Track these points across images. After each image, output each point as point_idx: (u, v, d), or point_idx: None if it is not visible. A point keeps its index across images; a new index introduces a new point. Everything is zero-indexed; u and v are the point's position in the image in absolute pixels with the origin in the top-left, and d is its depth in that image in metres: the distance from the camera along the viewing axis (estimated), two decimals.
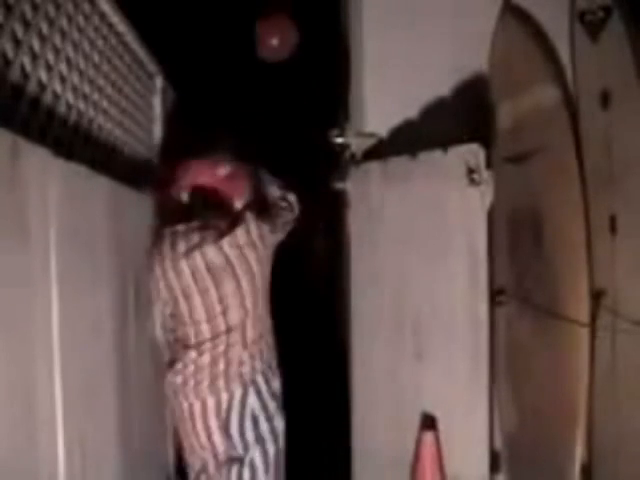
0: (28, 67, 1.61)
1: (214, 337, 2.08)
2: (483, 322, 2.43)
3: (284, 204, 2.38)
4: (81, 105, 1.95)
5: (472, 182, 2.41)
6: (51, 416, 1.46)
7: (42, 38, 1.69)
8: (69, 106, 1.86)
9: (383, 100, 2.93)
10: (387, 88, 2.91)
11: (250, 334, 2.12)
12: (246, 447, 2.08)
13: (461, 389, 2.46)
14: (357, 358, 2.89)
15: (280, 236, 2.30)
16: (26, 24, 1.60)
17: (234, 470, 2.08)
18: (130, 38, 2.46)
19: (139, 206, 2.33)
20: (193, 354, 2.09)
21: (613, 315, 2.33)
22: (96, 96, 2.09)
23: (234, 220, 2.11)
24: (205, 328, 2.08)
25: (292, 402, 2.30)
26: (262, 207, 2.24)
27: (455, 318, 2.49)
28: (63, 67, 1.82)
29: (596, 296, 2.36)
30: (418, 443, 2.52)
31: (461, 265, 2.46)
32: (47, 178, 1.47)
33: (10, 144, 1.30)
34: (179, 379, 2.10)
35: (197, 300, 2.08)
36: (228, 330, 2.08)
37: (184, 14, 4.16)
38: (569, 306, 2.35)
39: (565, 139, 2.43)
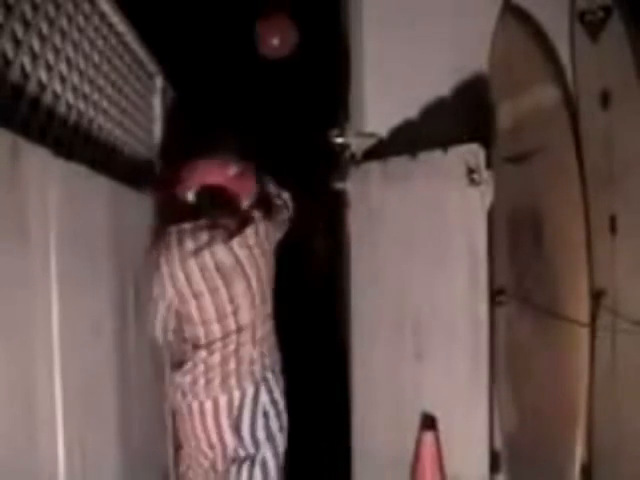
0: (28, 67, 1.61)
1: (225, 336, 2.09)
2: (483, 322, 2.43)
3: (279, 202, 2.40)
4: (81, 105, 1.95)
5: (472, 182, 2.41)
6: (51, 416, 1.46)
7: (42, 38, 1.69)
8: (69, 106, 1.86)
9: (383, 100, 2.93)
10: (387, 88, 2.91)
11: (259, 333, 2.15)
12: (257, 445, 2.11)
13: (461, 389, 2.46)
14: (357, 358, 2.89)
15: (279, 235, 2.31)
16: (26, 24, 1.60)
17: (245, 469, 2.11)
18: (130, 38, 2.46)
19: (139, 206, 2.33)
20: (203, 353, 2.10)
21: (613, 315, 2.33)
22: (96, 96, 2.09)
23: (244, 220, 2.13)
24: (216, 328, 2.09)
25: (292, 402, 2.30)
26: (267, 206, 2.26)
27: (455, 318, 2.49)
28: (63, 67, 1.82)
29: (596, 296, 2.36)
30: (418, 443, 2.52)
31: (461, 265, 2.46)
32: (47, 178, 1.47)
33: (10, 144, 1.30)
34: (188, 379, 2.10)
35: (207, 300, 2.09)
36: (239, 330, 2.10)
37: (184, 14, 4.16)
38: (569, 306, 2.35)
39: (565, 139, 2.43)
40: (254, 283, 2.14)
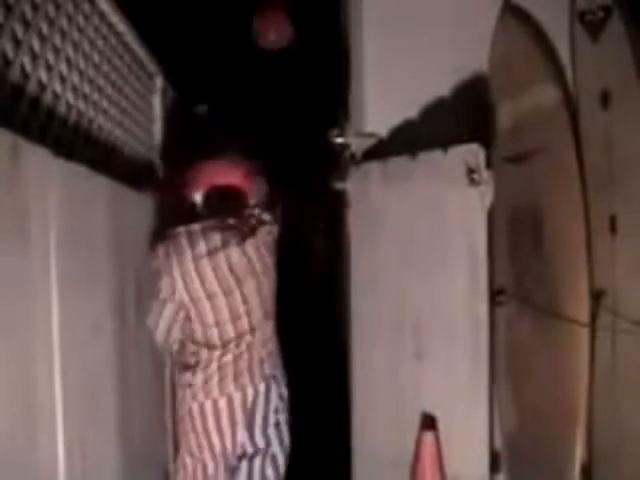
0: (28, 67, 1.61)
1: (238, 337, 2.12)
2: (483, 322, 2.43)
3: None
4: (81, 105, 1.95)
5: (472, 182, 2.41)
6: (51, 416, 1.46)
7: (42, 38, 1.69)
8: (69, 106, 1.86)
9: (383, 100, 2.93)
10: (387, 88, 2.91)
11: (268, 332, 2.21)
12: (268, 441, 2.17)
13: (461, 389, 2.46)
14: (357, 358, 2.89)
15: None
16: (26, 24, 1.60)
17: (256, 464, 2.17)
18: (130, 38, 2.46)
19: (139, 206, 2.33)
20: (215, 354, 2.11)
21: (613, 315, 2.33)
22: (96, 96, 2.09)
23: (256, 221, 2.16)
24: (230, 328, 2.11)
25: (292, 402, 2.31)
26: (272, 206, 2.28)
27: (455, 318, 2.49)
28: (63, 67, 1.82)
29: (596, 296, 2.36)
30: (418, 443, 2.52)
31: (461, 265, 2.46)
32: (47, 178, 1.47)
33: (10, 144, 1.30)
34: (199, 379, 2.11)
35: (222, 301, 2.10)
36: (251, 330, 2.14)
37: (184, 14, 4.16)
38: (569, 306, 2.35)
39: (565, 139, 2.43)
40: (264, 283, 2.18)
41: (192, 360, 2.15)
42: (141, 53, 2.64)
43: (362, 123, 3.02)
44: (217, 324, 2.11)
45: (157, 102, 2.93)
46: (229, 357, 2.11)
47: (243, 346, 2.13)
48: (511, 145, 2.57)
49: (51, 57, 1.75)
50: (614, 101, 2.37)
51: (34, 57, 1.65)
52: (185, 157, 2.39)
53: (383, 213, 2.72)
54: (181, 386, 2.18)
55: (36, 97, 1.65)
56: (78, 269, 1.65)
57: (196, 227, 2.12)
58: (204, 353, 2.12)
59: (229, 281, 2.10)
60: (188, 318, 2.14)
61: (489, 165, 2.43)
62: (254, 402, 2.13)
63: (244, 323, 2.13)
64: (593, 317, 2.34)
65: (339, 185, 3.17)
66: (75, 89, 1.91)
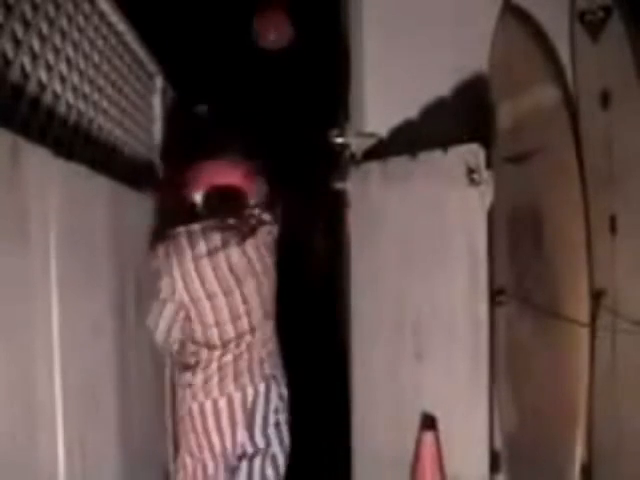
0: (28, 67, 1.61)
1: (238, 337, 2.12)
2: (483, 322, 2.43)
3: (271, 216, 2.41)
4: (81, 105, 1.95)
5: (472, 182, 2.41)
6: (51, 416, 1.46)
7: (42, 38, 1.69)
8: (69, 106, 1.86)
9: (383, 100, 2.93)
10: (387, 88, 2.91)
11: (268, 332, 2.21)
12: (267, 441, 2.18)
13: (461, 389, 2.46)
14: (357, 358, 2.89)
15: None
16: (26, 24, 1.60)
17: (256, 464, 2.17)
18: (130, 38, 2.46)
19: (139, 206, 2.33)
20: (217, 353, 2.11)
21: (613, 315, 2.33)
22: (96, 96, 2.09)
23: (256, 221, 2.17)
24: (229, 328, 2.11)
25: (292, 402, 2.31)
26: (272, 206, 2.29)
27: (455, 318, 2.49)
28: (63, 67, 1.82)
29: (596, 296, 2.36)
30: (418, 443, 2.52)
31: (461, 265, 2.46)
32: (47, 178, 1.47)
33: (10, 144, 1.30)
34: (199, 379, 2.11)
35: (222, 301, 2.10)
36: (251, 330, 2.14)
37: (184, 14, 4.16)
38: (569, 306, 2.35)
39: (565, 139, 2.43)
40: (264, 283, 2.18)
41: (192, 360, 2.15)
42: (141, 53, 2.64)
43: (362, 123, 3.02)
44: (217, 324, 2.11)
45: (157, 102, 2.93)
46: (229, 357, 2.11)
47: (243, 346, 2.13)
48: (511, 145, 2.57)
49: (51, 57, 1.75)
50: (614, 101, 2.37)
51: (34, 57, 1.65)
52: (185, 157, 2.39)
53: (383, 213, 2.72)
54: (181, 386, 2.18)
55: (36, 97, 1.65)
56: (78, 269, 1.65)
57: (196, 227, 2.12)
58: (204, 353, 2.12)
59: (229, 281, 2.10)
60: (188, 318, 2.13)
61: (489, 165, 2.43)
62: (254, 402, 2.13)
63: (244, 323, 2.13)
64: (593, 317, 2.34)
65: (339, 185, 3.17)
66: (75, 89, 1.91)
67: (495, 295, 2.52)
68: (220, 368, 2.10)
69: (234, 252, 2.11)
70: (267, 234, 2.22)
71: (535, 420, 2.45)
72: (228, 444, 2.11)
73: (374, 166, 2.78)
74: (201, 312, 2.11)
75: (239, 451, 2.16)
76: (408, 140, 2.80)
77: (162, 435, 2.63)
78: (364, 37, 3.00)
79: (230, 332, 2.12)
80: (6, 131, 1.29)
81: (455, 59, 2.80)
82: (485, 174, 2.41)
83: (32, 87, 1.63)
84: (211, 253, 2.08)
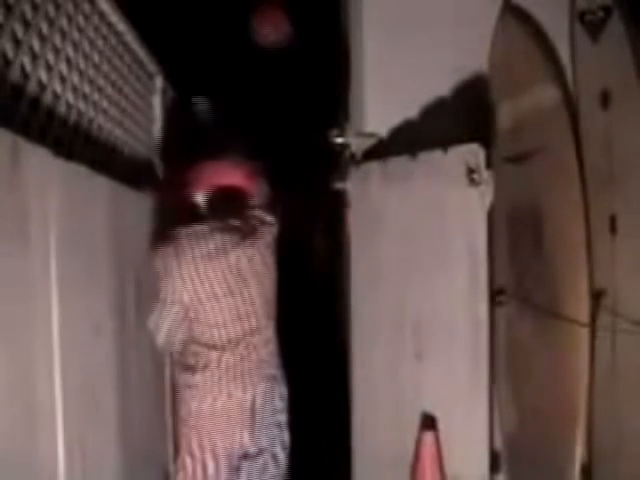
0: (28, 67, 1.61)
1: (239, 337, 2.12)
2: (483, 322, 2.43)
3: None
4: (81, 105, 1.95)
5: (472, 182, 2.41)
6: (51, 416, 1.46)
7: (42, 38, 1.69)
8: (69, 106, 1.86)
9: (383, 100, 2.93)
10: (387, 88, 2.91)
11: (269, 332, 2.22)
12: (269, 440, 2.18)
13: (461, 389, 2.46)
14: (357, 358, 2.89)
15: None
16: (26, 24, 1.60)
17: (259, 462, 2.18)
18: (130, 38, 2.46)
19: (139, 206, 2.33)
20: (217, 354, 2.11)
21: (613, 315, 2.33)
22: (96, 96, 2.09)
23: (257, 222, 2.17)
24: (231, 329, 2.11)
25: (292, 402, 2.31)
26: (272, 206, 2.29)
27: (455, 318, 2.48)
28: (63, 67, 1.82)
29: (596, 296, 2.36)
30: (418, 443, 2.52)
31: (461, 265, 2.46)
32: (47, 178, 1.47)
33: (10, 144, 1.30)
34: (200, 379, 2.11)
35: (223, 301, 2.10)
36: (255, 331, 2.14)
37: (184, 14, 4.16)
38: (569, 306, 2.35)
39: (565, 139, 2.43)
40: (267, 284, 2.19)
41: (193, 360, 2.15)
42: (141, 53, 2.64)
43: (362, 123, 3.02)
44: (218, 325, 2.11)
45: (157, 102, 2.93)
46: (230, 357, 2.11)
47: (245, 346, 2.13)
48: (511, 145, 2.57)
49: (51, 57, 1.75)
50: (614, 101, 2.37)
51: (34, 57, 1.65)
52: (185, 157, 2.39)
53: (383, 213, 2.72)
54: (181, 386, 2.18)
55: (36, 97, 1.65)
56: (78, 269, 1.65)
57: (197, 228, 2.12)
58: (205, 353, 2.12)
59: (230, 282, 2.10)
60: (189, 319, 2.13)
61: (489, 165, 2.43)
62: (255, 402, 2.13)
63: (246, 324, 2.13)
64: (593, 317, 2.34)
65: (339, 185, 3.17)
66: (75, 89, 1.91)
67: (495, 295, 2.52)
68: (221, 368, 2.10)
69: (235, 253, 2.11)
70: (268, 234, 2.23)
71: (535, 420, 2.45)
72: (228, 444, 2.11)
73: (374, 166, 2.78)
74: (202, 313, 2.10)
75: (239, 451, 2.16)
76: (408, 140, 2.80)
77: (162, 435, 2.63)
78: (364, 37, 3.00)
79: (232, 333, 2.11)
80: (6, 131, 1.29)
81: (455, 59, 2.80)
82: (485, 174, 2.41)
83: (32, 87, 1.63)
84: (212, 254, 2.08)
